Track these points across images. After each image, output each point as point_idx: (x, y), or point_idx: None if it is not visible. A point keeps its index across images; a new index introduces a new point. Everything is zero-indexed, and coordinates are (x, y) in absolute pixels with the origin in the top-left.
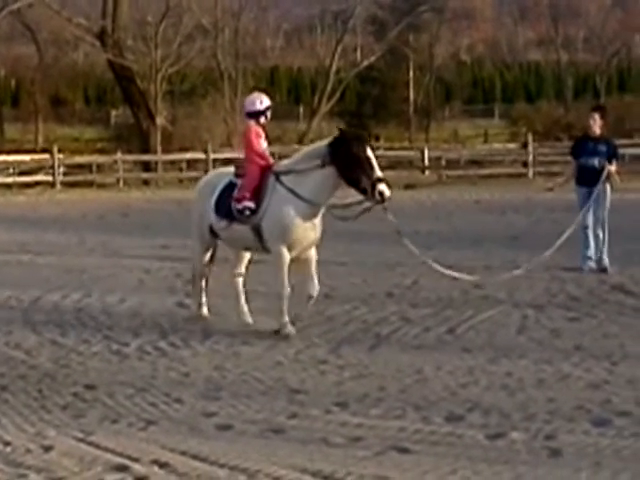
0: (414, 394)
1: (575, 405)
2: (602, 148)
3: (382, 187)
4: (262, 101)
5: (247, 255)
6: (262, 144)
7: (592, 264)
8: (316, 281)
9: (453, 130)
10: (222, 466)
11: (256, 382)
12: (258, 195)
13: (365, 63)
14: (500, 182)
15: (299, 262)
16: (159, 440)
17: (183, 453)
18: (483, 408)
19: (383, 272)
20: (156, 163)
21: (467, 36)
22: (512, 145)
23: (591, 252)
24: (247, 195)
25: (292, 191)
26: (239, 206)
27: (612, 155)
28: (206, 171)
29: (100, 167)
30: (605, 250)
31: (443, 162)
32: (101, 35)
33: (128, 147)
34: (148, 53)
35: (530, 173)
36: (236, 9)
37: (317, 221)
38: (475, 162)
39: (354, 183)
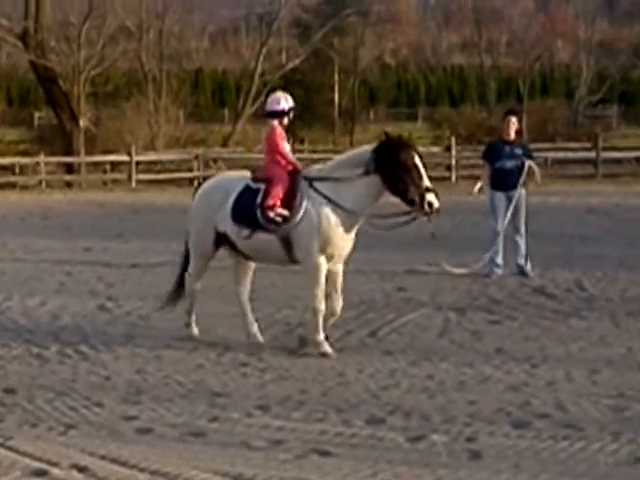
0: (335, 397)
1: (495, 407)
2: (518, 151)
3: (431, 198)
4: (287, 100)
5: (252, 269)
6: (287, 146)
7: (500, 271)
8: (341, 298)
9: (378, 133)
10: (142, 470)
11: (177, 385)
12: (289, 202)
13: (290, 65)
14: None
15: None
16: (79, 444)
17: (103, 457)
18: (404, 411)
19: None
20: (79, 165)
21: (392, 40)
22: (435, 148)
23: (500, 259)
24: (277, 202)
25: (330, 199)
26: (271, 214)
27: (528, 158)
28: (129, 174)
29: (23, 169)
30: (525, 255)
31: None
32: (23, 36)
33: (51, 149)
34: (71, 54)
35: (453, 176)
36: (160, 10)
37: (353, 232)
38: None
39: (401, 193)
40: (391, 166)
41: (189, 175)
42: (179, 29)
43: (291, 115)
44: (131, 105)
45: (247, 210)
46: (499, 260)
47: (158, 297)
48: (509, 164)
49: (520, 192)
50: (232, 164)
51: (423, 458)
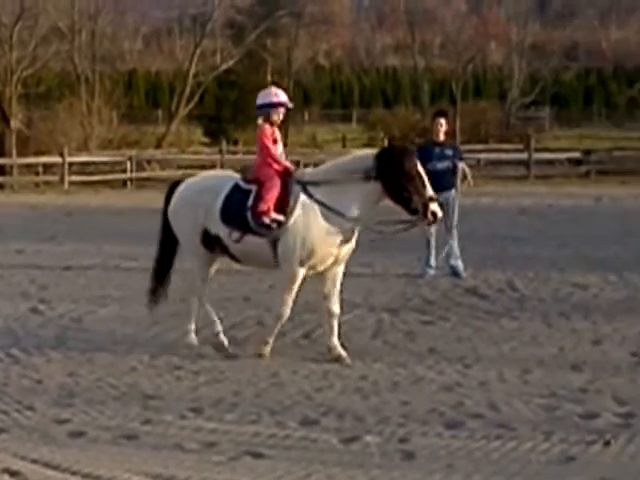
0: (269, 398)
1: (428, 408)
2: (448, 152)
3: (435, 207)
4: (277, 94)
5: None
6: (277, 148)
7: (432, 272)
8: (337, 299)
9: (311, 134)
10: (74, 473)
11: (110, 388)
12: (282, 206)
13: (223, 67)
14: None
15: (324, 278)
16: (10, 448)
17: (35, 461)
18: (337, 412)
19: (240, 276)
20: (11, 167)
21: (325, 41)
22: (369, 150)
23: (433, 260)
24: (270, 206)
25: (325, 205)
26: (266, 220)
27: (458, 159)
28: (62, 175)
29: None
30: (458, 255)
31: (301, 166)
32: None
33: None
34: (3, 55)
35: None
36: (93, 11)
37: (352, 237)
38: None
39: (404, 202)
40: (395, 174)
41: (122, 177)
42: (112, 30)
43: (281, 111)
44: (64, 106)
45: (237, 212)
46: (432, 261)
47: (91, 300)
48: (440, 165)
49: (452, 194)
50: (166, 165)
51: (356, 459)
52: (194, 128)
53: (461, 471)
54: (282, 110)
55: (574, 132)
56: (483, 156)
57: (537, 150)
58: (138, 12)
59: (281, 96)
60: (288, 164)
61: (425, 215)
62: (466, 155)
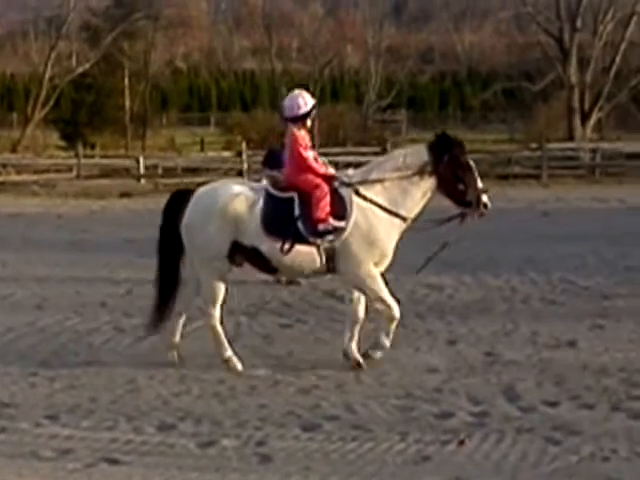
0: (126, 404)
1: (286, 411)
2: None
3: (486, 199)
4: (306, 101)
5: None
6: (311, 154)
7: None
8: (364, 305)
9: (170, 138)
10: None
11: None
12: (336, 212)
13: (80, 70)
14: None
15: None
16: None
17: None
18: (195, 416)
19: (97, 282)
20: None
21: (183, 44)
22: (227, 153)
23: None
24: (327, 213)
25: (380, 206)
26: (323, 227)
27: None
28: None
29: None
30: None
31: (159, 170)
32: None
33: None
34: None
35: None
36: None
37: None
38: (191, 170)
39: (459, 194)
40: (451, 167)
41: None
42: None
43: (312, 114)
44: None
45: (283, 222)
46: None
47: None
48: None
49: None
50: (21, 169)
51: (214, 463)
52: (50, 132)
53: (318, 473)
54: (312, 114)
55: (430, 135)
56: (341, 159)
57: None
58: None
59: (309, 102)
60: (328, 169)
61: (478, 206)
62: (324, 158)
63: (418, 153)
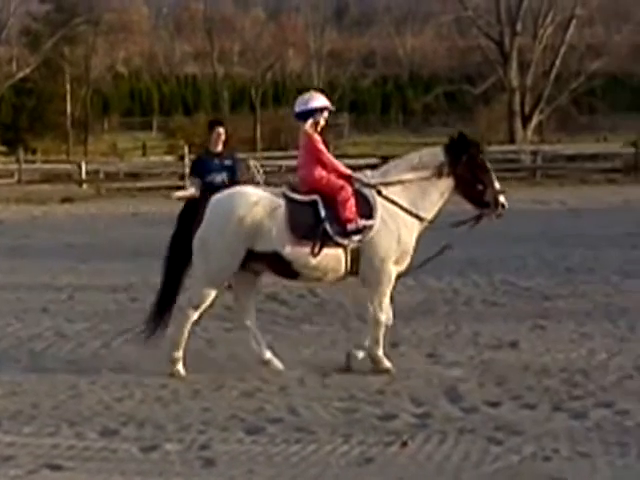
0: (68, 410)
1: (229, 414)
2: (228, 163)
3: (503, 199)
4: (317, 98)
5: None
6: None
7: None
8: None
9: (112, 143)
10: None
11: None
12: (362, 211)
13: (20, 75)
14: (158, 195)
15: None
16: None
17: None
18: (137, 421)
19: (38, 287)
20: None
21: (124, 49)
22: (169, 157)
23: None
24: (354, 212)
25: (400, 206)
26: (354, 226)
27: (238, 169)
28: None
29: None
30: None
31: (101, 175)
32: None
33: None
34: None
35: (187, 185)
36: None
37: None
38: (133, 175)
39: (477, 195)
40: (469, 168)
41: None
42: None
43: (325, 114)
44: None
45: (310, 225)
46: None
47: None
48: (219, 178)
49: None
50: None
51: (157, 468)
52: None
53: (261, 476)
54: (325, 113)
55: (372, 138)
56: (284, 163)
57: (337, 156)
58: None
59: (321, 100)
60: (347, 169)
61: (496, 207)
62: (267, 162)
63: (434, 154)
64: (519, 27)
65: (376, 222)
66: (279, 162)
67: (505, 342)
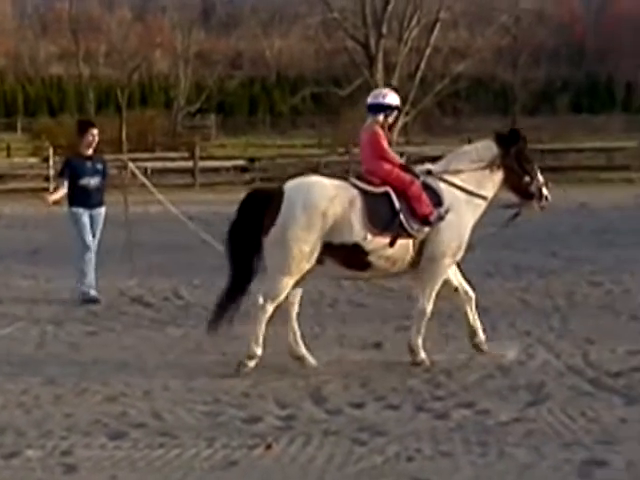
0: None
1: (92, 419)
2: (99, 166)
3: (546, 191)
4: (393, 98)
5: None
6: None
7: (93, 291)
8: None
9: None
10: None
11: None
12: (434, 203)
13: None
14: (22, 197)
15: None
16: None
17: None
18: None
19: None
20: None
21: None
22: (34, 159)
23: (92, 277)
24: (428, 203)
25: (467, 190)
26: (439, 213)
27: (107, 173)
28: None
29: None
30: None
31: None
32: None
33: None
34: None
35: (51, 187)
36: None
37: None
38: None
39: (524, 186)
40: (518, 160)
41: None
42: None
43: (394, 114)
44: None
45: (387, 217)
46: (91, 279)
47: None
48: (94, 182)
49: (104, 210)
50: None
51: (17, 474)
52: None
53: None
54: (394, 113)
55: (240, 140)
56: (150, 165)
57: (202, 158)
58: None
59: (395, 99)
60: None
61: (540, 198)
62: (133, 164)
63: (489, 147)
64: (385, 29)
65: (447, 207)
66: (145, 164)
67: (369, 343)
